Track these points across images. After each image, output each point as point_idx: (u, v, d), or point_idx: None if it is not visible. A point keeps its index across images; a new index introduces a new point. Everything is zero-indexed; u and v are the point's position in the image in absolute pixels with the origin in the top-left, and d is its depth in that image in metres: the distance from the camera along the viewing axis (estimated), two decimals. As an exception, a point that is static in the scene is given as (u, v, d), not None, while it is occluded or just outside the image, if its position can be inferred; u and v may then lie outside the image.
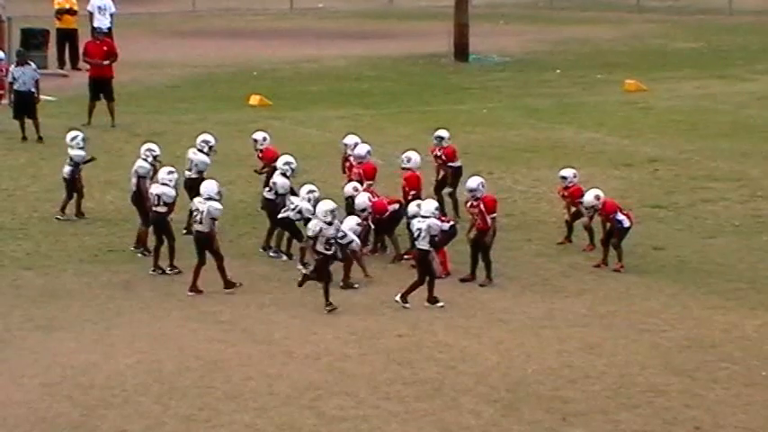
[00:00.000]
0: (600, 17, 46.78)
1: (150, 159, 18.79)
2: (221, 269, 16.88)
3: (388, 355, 14.82)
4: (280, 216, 18.05)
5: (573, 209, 18.86)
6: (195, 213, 16.96)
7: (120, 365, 14.49)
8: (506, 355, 14.85)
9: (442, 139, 20.16)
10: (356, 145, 19.74)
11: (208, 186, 17.02)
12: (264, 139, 20.63)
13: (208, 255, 16.89)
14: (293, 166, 18.49)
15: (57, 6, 34.55)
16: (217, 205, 16.81)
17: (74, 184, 20.32)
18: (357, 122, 27.33)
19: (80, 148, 20.30)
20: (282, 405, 13.47)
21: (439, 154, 20.17)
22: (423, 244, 16.43)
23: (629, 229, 17.92)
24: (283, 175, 18.38)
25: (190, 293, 16.83)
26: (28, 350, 15.01)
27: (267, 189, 18.56)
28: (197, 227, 16.94)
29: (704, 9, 47.89)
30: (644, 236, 19.12)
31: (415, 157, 19.07)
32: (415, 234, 16.55)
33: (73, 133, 20.64)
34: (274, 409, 13.39)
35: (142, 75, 33.24)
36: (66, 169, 20.28)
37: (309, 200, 17.73)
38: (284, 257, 18.40)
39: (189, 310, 16.39)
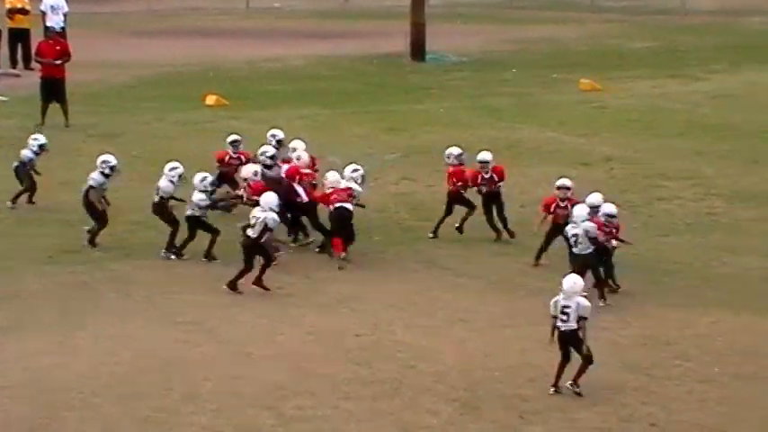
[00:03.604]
0: (558, 17, 46.95)
1: (107, 171, 18.97)
2: (261, 270, 17.05)
3: (346, 354, 14.89)
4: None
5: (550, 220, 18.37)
6: (252, 220, 17.12)
7: (82, 367, 14.48)
8: (466, 354, 14.96)
9: (486, 163, 19.34)
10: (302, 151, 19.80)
11: (269, 199, 17.26)
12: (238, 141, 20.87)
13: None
14: (179, 172, 18.54)
15: (8, 6, 34.25)
16: (275, 216, 17.11)
17: (22, 178, 20.67)
18: (315, 122, 27.36)
19: (34, 151, 20.77)
20: (242, 406, 13.50)
21: (487, 177, 19.37)
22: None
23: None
24: (171, 181, 18.49)
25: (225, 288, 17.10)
26: (-13, 352, 14.99)
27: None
28: (248, 231, 17.12)
29: (660, 9, 48.19)
30: (600, 234, 19.23)
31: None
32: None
33: (37, 135, 21.23)
34: (233, 410, 13.42)
35: (99, 74, 33.06)
36: (16, 163, 20.77)
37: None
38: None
39: (152, 311, 16.37)
